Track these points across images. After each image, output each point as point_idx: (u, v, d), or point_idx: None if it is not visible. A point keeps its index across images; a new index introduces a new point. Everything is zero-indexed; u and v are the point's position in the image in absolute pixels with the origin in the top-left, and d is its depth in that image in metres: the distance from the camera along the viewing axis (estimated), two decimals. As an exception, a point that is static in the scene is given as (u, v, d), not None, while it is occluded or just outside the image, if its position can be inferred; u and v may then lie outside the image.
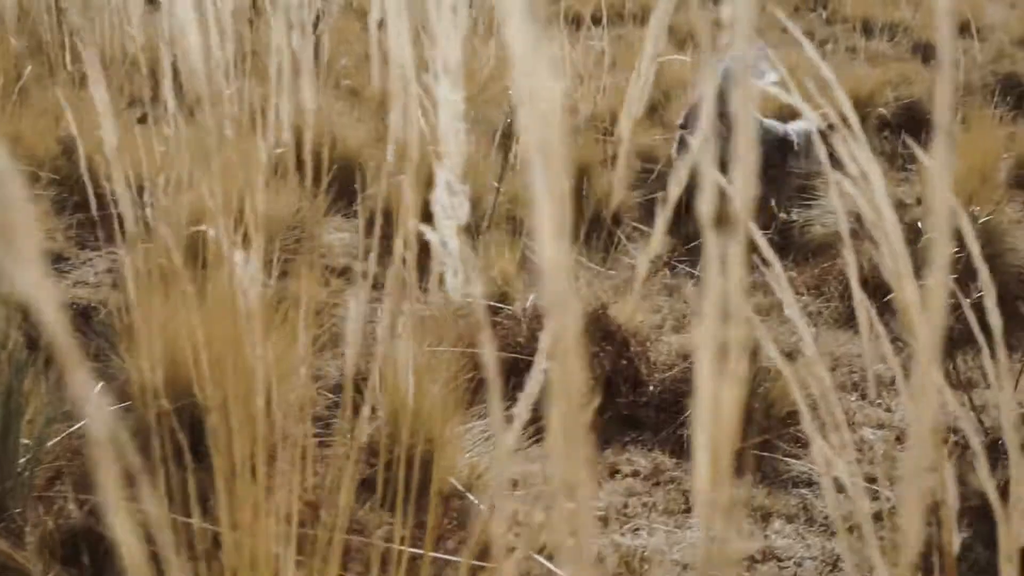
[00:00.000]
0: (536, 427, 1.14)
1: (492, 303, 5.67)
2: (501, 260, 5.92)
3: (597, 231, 7.32)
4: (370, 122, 7.90)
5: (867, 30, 11.71)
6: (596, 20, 12.30)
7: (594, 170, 7.51)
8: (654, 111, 8.72)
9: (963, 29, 11.77)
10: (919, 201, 6.70)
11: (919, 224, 5.00)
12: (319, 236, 6.40)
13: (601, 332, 4.61)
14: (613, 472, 4.20)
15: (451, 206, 1.78)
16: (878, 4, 12.58)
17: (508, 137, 7.42)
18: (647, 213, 7.67)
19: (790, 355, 5.29)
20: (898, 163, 8.75)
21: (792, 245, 7.16)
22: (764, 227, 7.06)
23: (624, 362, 4.49)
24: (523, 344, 4.59)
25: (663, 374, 4.60)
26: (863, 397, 4.97)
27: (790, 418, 4.48)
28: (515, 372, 4.81)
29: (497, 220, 6.77)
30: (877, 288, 6.16)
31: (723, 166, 0.97)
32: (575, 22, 11.37)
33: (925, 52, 11.13)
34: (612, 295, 6.45)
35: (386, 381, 3.71)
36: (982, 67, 10.33)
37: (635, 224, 7.53)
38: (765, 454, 4.31)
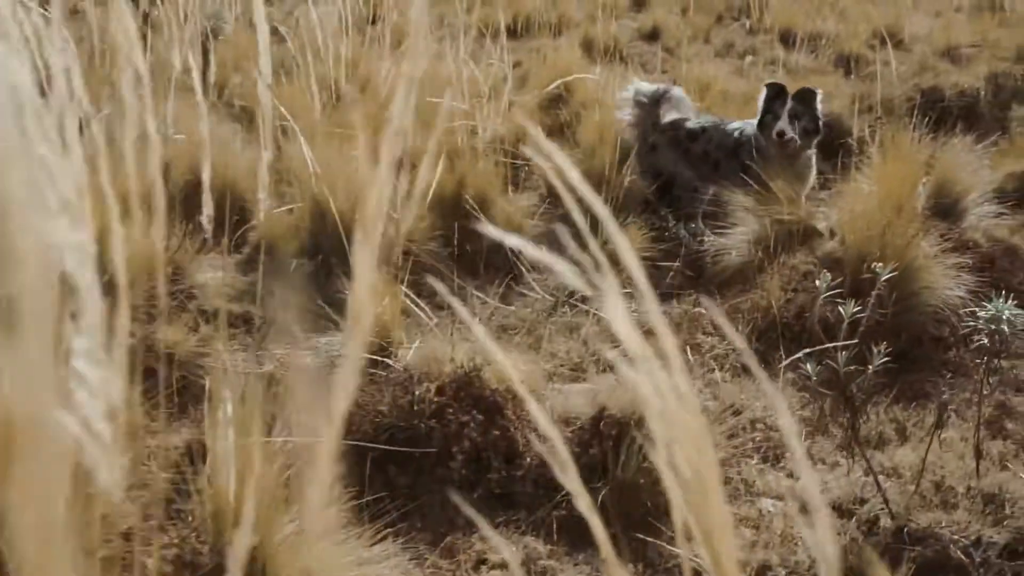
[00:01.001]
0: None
1: (369, 356, 5.21)
2: (379, 305, 5.46)
3: (496, 262, 6.90)
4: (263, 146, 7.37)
5: (790, 41, 11.37)
6: (512, 31, 11.90)
7: (496, 196, 7.06)
8: (567, 128, 8.29)
9: (885, 40, 11.48)
10: (832, 233, 6.31)
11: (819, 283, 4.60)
12: (191, 276, 5.92)
13: (472, 398, 4.16)
14: (479, 563, 3.76)
15: (95, 381, 1.32)
16: (801, 13, 12.25)
17: (402, 164, 6.97)
18: (557, 240, 7.25)
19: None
20: (818, 179, 8.38)
21: (704, 275, 6.77)
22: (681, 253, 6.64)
23: (496, 432, 4.05)
24: (385, 412, 4.13)
25: (543, 442, 4.16)
26: (765, 460, 4.56)
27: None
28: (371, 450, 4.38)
29: (388, 255, 6.31)
30: (789, 328, 5.78)
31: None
32: (492, 33, 10.96)
33: (847, 64, 10.79)
34: (500, 340, 6.04)
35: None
36: (905, 81, 10.01)
37: (540, 252, 7.09)
38: (649, 539, 3.89)
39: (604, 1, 12.22)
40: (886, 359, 3.89)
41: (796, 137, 6.66)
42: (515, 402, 4.37)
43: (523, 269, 6.81)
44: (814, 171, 7.05)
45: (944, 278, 5.75)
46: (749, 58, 10.78)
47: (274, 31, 9.24)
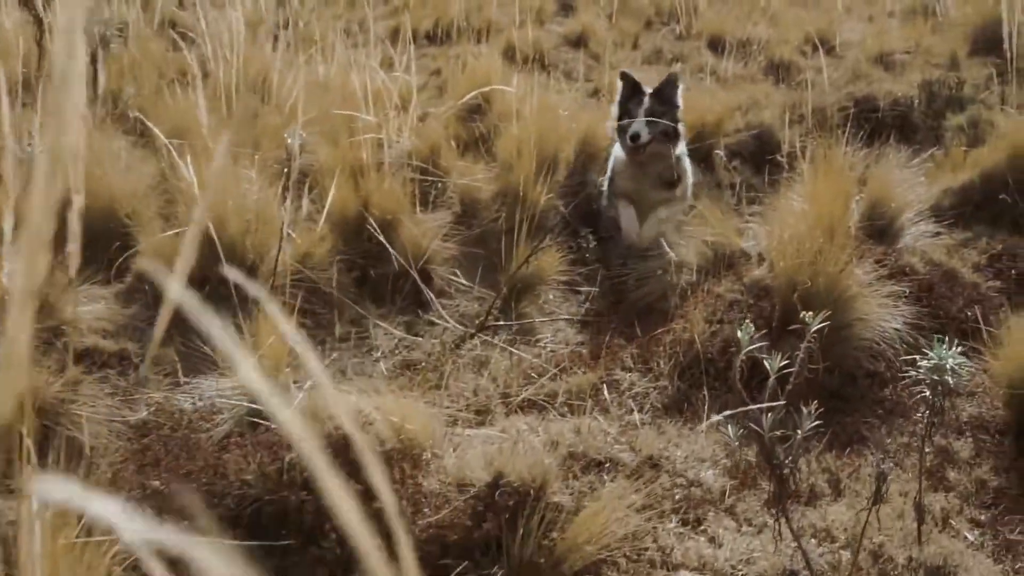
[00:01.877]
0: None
1: (252, 405, 4.65)
2: (271, 336, 4.89)
3: (403, 288, 6.35)
4: (157, 163, 6.79)
5: (719, 47, 10.91)
6: (433, 37, 11.34)
7: (404, 216, 6.51)
8: (484, 141, 7.75)
9: (817, 47, 11.05)
10: (761, 258, 5.83)
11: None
12: (61, 310, 5.31)
13: (352, 462, 3.60)
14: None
15: None
16: (732, 19, 11.79)
17: (301, 182, 6.40)
18: (470, 262, 6.72)
19: (604, 463, 4.38)
20: (746, 196, 7.92)
21: (625, 301, 6.26)
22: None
23: (379, 504, 3.49)
24: (251, 482, 3.57)
25: (434, 514, 3.63)
26: (685, 523, 4.05)
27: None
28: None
29: (281, 283, 5.74)
30: (714, 364, 5.28)
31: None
32: (410, 39, 10.40)
33: (778, 72, 10.34)
34: (402, 378, 5.49)
35: None
36: (837, 89, 9.57)
37: (452, 276, 6.56)
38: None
39: (531, 5, 11.70)
40: (817, 423, 3.39)
41: (645, 140, 6.31)
42: (405, 462, 3.83)
43: (431, 296, 6.27)
44: (689, 177, 6.76)
45: (880, 308, 5.28)
46: (678, 65, 10.28)
47: (182, 36, 8.62)
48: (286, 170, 5.72)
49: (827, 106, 9.03)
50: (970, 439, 4.74)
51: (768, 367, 3.40)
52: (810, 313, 3.50)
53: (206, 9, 8.48)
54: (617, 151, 6.67)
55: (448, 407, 5.16)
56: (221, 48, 7.91)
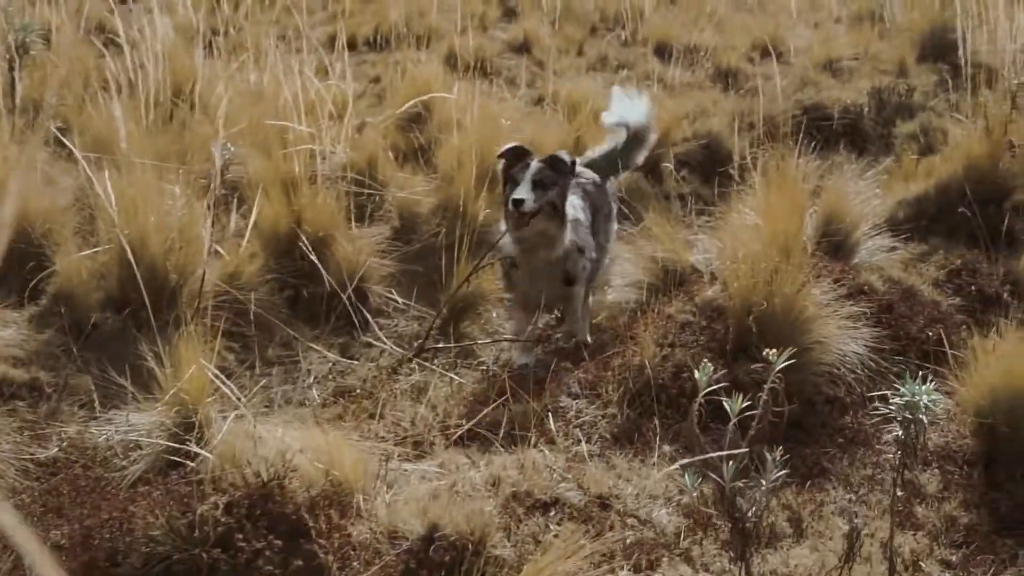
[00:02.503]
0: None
1: (170, 444, 4.26)
2: (189, 366, 4.48)
3: (338, 308, 5.97)
4: (78, 177, 6.36)
5: (666, 54, 10.60)
6: (373, 43, 10.95)
7: (339, 232, 6.13)
8: (424, 152, 7.39)
9: (765, 53, 10.79)
10: (713, 277, 5.51)
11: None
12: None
13: (271, 516, 3.25)
14: None
15: None
16: (678, 25, 11.50)
17: (231, 197, 6.01)
18: (409, 280, 6.35)
19: (550, 504, 4.04)
20: (696, 207, 7.61)
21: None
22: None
23: (300, 561, 3.14)
24: (159, 538, 3.19)
25: (363, 569, 3.26)
26: (637, 569, 3.71)
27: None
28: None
29: (203, 309, 5.35)
30: (666, 390, 4.94)
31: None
32: (348, 46, 10.02)
33: (727, 79, 10.06)
34: (335, 406, 5.12)
35: None
36: (787, 96, 9.30)
37: (389, 295, 6.19)
38: None
39: (473, 11, 11.35)
40: (783, 472, 3.06)
41: (530, 207, 5.24)
42: (333, 508, 3.46)
43: (368, 316, 5.90)
44: (581, 271, 5.56)
45: (839, 331, 4.98)
46: (624, 72, 9.98)
47: (112, 42, 8.17)
48: (212, 185, 5.33)
49: (777, 114, 8.73)
50: (937, 471, 4.45)
51: (728, 409, 3.07)
52: (773, 351, 3.16)
53: (138, 14, 8.05)
54: (505, 240, 5.55)
55: (384, 438, 4.81)
56: (150, 55, 7.48)
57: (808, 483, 4.37)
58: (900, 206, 6.93)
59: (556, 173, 5.32)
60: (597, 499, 4.11)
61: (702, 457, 2.97)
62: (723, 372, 4.78)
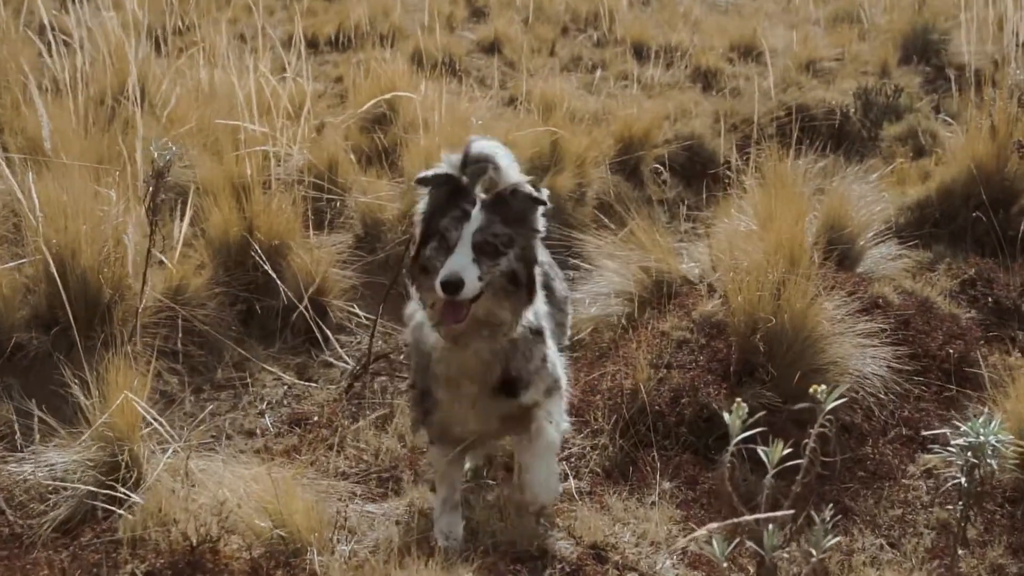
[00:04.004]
0: None
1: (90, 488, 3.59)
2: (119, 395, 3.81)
3: (294, 324, 5.32)
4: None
5: (643, 54, 10.00)
6: (337, 42, 10.28)
7: (295, 240, 5.47)
8: (385, 156, 6.73)
9: (746, 54, 10.24)
10: (711, 289, 4.90)
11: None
12: None
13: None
14: None
15: None
16: (653, 25, 10.92)
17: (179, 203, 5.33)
18: (373, 293, 5.69)
19: (538, 558, 3.40)
20: (679, 213, 7.02)
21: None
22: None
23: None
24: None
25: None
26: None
27: None
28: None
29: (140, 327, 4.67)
30: (662, 418, 4.23)
31: None
32: (309, 44, 9.37)
33: (706, 79, 9.48)
34: (291, 435, 4.46)
35: None
36: (769, 97, 8.72)
37: (351, 309, 5.53)
38: None
39: (440, 10, 10.70)
40: (835, 540, 2.44)
41: (471, 291, 3.25)
42: (280, 570, 2.81)
43: (328, 333, 5.24)
44: (540, 371, 3.54)
45: (855, 349, 4.37)
46: (600, 72, 9.37)
47: (57, 41, 7.45)
48: (149, 187, 4.65)
49: (760, 115, 8.13)
50: (974, 509, 3.83)
51: (765, 459, 2.44)
52: (822, 388, 2.53)
53: (84, 12, 7.35)
54: (416, 325, 3.61)
55: (345, 474, 4.16)
56: (90, 53, 6.80)
57: (831, 525, 3.74)
58: (901, 211, 6.35)
59: (515, 222, 3.36)
60: (591, 549, 3.48)
61: (736, 521, 2.35)
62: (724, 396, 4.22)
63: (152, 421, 3.87)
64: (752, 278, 4.43)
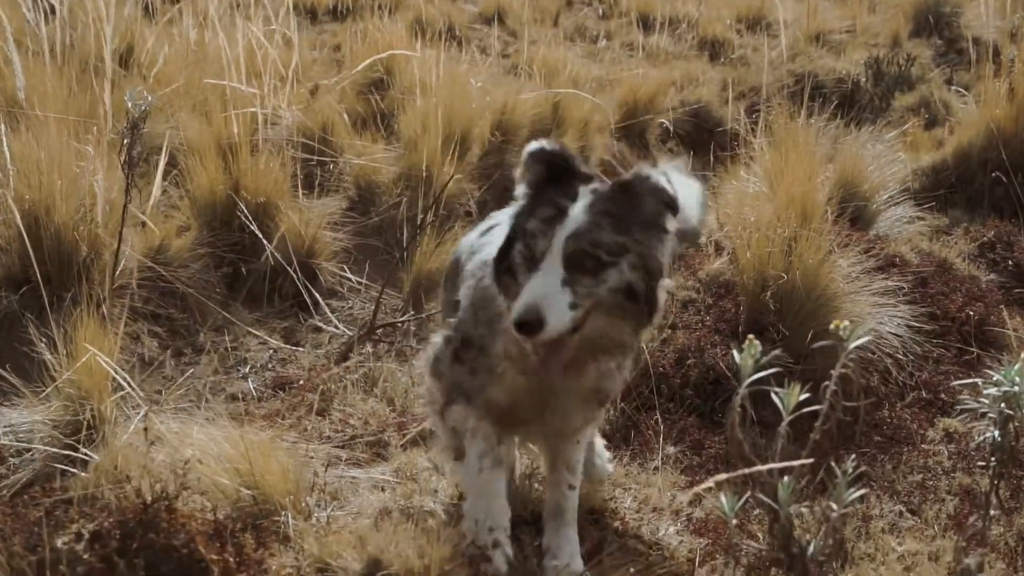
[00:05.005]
0: None
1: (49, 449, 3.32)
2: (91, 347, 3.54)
3: (283, 287, 5.04)
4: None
5: (648, 25, 9.70)
6: (335, 11, 9.98)
7: (284, 201, 5.19)
8: (381, 120, 6.45)
9: (754, 25, 9.94)
10: (718, 248, 4.62)
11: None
12: None
13: (153, 549, 2.32)
14: None
15: None
16: (659, -4, 10.60)
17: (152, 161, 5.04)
18: (365, 256, 5.41)
19: (531, 524, 3.13)
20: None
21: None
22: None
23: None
24: None
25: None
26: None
27: None
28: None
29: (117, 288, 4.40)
30: (666, 380, 3.89)
31: None
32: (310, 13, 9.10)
33: (712, 49, 9.18)
34: (273, 400, 4.19)
35: None
36: (777, 67, 8.43)
37: (343, 273, 5.24)
38: None
39: (441, -20, 10.39)
40: (860, 492, 2.16)
41: (553, 329, 2.53)
42: (242, 541, 2.53)
43: (317, 296, 4.96)
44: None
45: (872, 309, 4.08)
46: (605, 42, 9.07)
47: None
48: (125, 141, 4.37)
49: (768, 84, 7.86)
50: (1011, 466, 3.54)
51: (780, 405, 2.16)
52: (845, 323, 2.24)
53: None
54: (484, 296, 2.87)
55: (330, 438, 3.88)
56: (86, 17, 6.51)
57: (846, 492, 3.45)
58: (916, 176, 6.06)
59: (633, 226, 2.62)
60: (589, 514, 3.19)
61: (746, 472, 2.07)
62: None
63: (122, 382, 3.58)
64: (762, 234, 4.15)
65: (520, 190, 2.75)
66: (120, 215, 4.51)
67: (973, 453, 3.64)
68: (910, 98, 8.37)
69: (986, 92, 6.51)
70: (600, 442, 3.47)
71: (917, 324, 4.18)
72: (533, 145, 2.71)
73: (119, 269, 4.47)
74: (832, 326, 2.21)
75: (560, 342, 2.55)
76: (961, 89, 8.41)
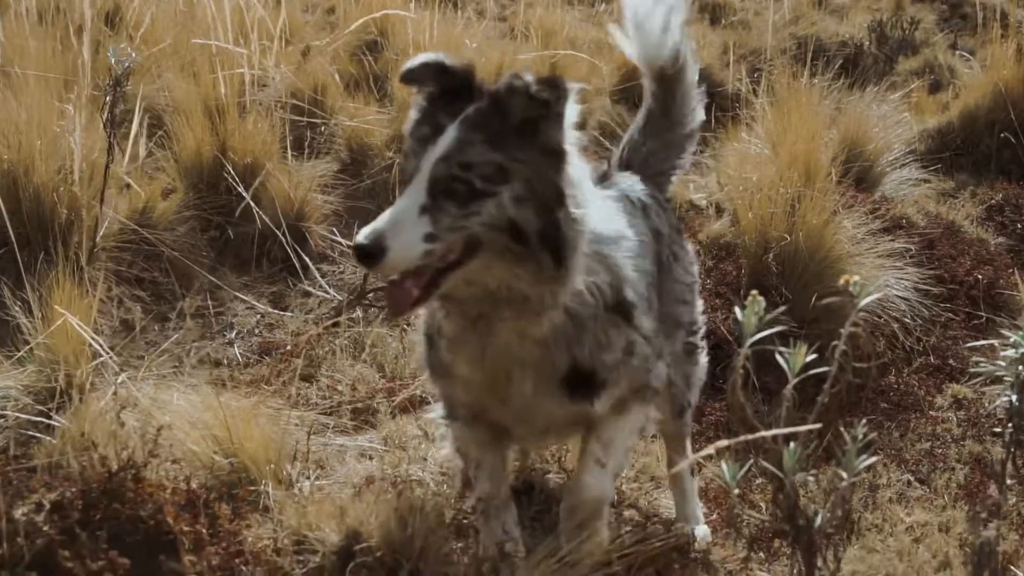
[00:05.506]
0: None
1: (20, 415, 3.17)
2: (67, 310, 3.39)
3: (271, 251, 4.88)
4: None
5: (647, -13, 9.46)
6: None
7: (273, 163, 5.01)
8: (374, 82, 6.26)
9: (755, -15, 9.73)
10: (719, 209, 4.45)
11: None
12: None
13: (119, 521, 2.17)
14: None
15: None
16: (657, -42, 10.35)
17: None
18: (357, 219, 5.24)
19: (523, 495, 2.99)
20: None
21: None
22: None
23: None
24: None
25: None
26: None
27: None
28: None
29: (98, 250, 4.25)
30: None
31: None
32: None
33: (713, 12, 8.98)
34: (258, 366, 4.03)
35: None
36: (779, 30, 8.23)
37: (333, 236, 5.07)
38: None
39: (439, -54, 10.17)
40: (871, 460, 2.01)
41: (396, 260, 2.21)
42: (216, 513, 2.38)
43: (307, 260, 4.80)
44: (620, 365, 2.57)
45: (878, 271, 3.92)
46: (603, 5, 8.87)
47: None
48: (107, 98, 4.19)
49: (770, 47, 7.66)
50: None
51: (785, 366, 2.00)
52: (856, 278, 2.08)
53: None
54: None
55: (317, 405, 3.74)
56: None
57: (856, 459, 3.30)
58: (921, 138, 5.88)
59: (513, 141, 2.25)
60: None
61: (751, 437, 1.91)
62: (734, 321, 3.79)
63: (96, 346, 3.42)
64: (764, 195, 3.99)
65: (414, 104, 2.40)
66: (96, 173, 4.35)
67: (984, 420, 3.49)
68: (914, 62, 8.19)
69: (993, 54, 6.34)
70: (697, 502, 2.94)
71: (925, 287, 4.03)
72: (430, 56, 2.38)
73: (101, 232, 4.32)
74: (841, 281, 2.04)
75: (405, 284, 2.20)
76: (965, 53, 8.23)
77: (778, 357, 2.01)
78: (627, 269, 2.46)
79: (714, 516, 2.94)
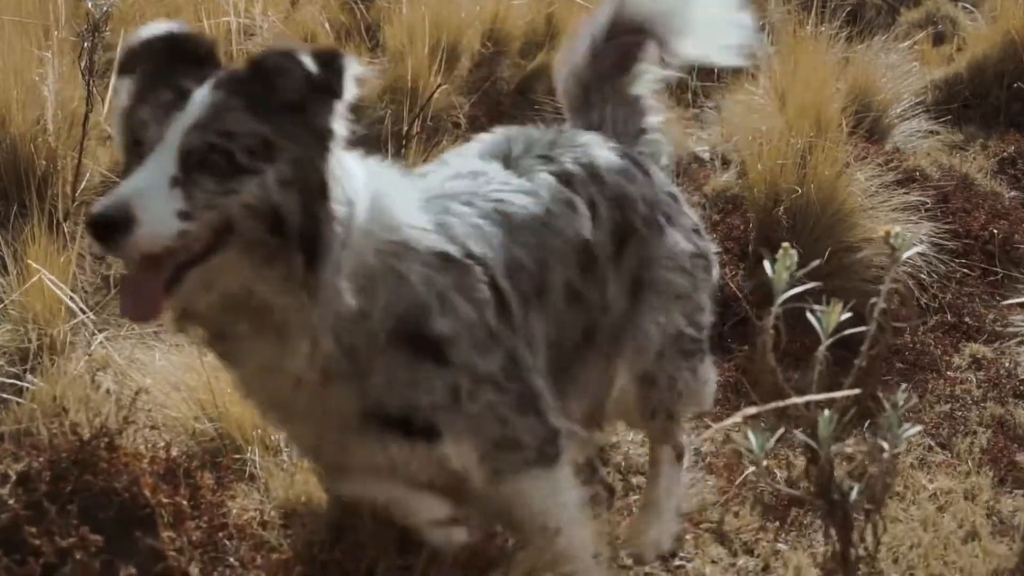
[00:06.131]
0: None
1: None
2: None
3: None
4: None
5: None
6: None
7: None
8: (366, 32, 6.04)
9: (752, -64, 9.48)
10: (725, 162, 4.26)
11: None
12: None
13: (92, 494, 1.99)
14: None
15: None
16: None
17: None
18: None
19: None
20: (688, 99, 6.34)
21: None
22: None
23: (131, 568, 1.88)
24: None
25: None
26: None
27: None
28: None
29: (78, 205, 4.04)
30: None
31: None
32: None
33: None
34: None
35: None
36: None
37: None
38: None
39: None
40: (915, 430, 1.84)
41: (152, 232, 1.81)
42: (198, 484, 2.20)
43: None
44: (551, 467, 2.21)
45: (892, 224, 3.72)
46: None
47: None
48: (85, 44, 3.98)
49: (768, -2, 7.44)
50: (1036, 404, 3.24)
51: (818, 327, 1.82)
52: (896, 229, 1.90)
53: None
54: None
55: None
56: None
57: (866, 423, 3.13)
58: (929, 90, 5.68)
59: (280, 114, 1.92)
60: (591, 451, 2.87)
61: (782, 404, 1.73)
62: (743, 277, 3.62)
63: (71, 305, 3.23)
64: (773, 146, 3.80)
65: (127, 78, 1.97)
66: (76, 122, 4.14)
67: (1005, 381, 3.32)
68: (916, 14, 7.98)
69: (1003, 5, 6.13)
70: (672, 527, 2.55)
71: (940, 241, 3.84)
72: (159, 27, 1.99)
73: (82, 185, 4.12)
74: (881, 233, 1.85)
75: (148, 278, 1.83)
76: (968, 5, 8.02)
77: (809, 315, 1.83)
78: (445, 293, 2.05)
79: (728, 484, 2.76)
